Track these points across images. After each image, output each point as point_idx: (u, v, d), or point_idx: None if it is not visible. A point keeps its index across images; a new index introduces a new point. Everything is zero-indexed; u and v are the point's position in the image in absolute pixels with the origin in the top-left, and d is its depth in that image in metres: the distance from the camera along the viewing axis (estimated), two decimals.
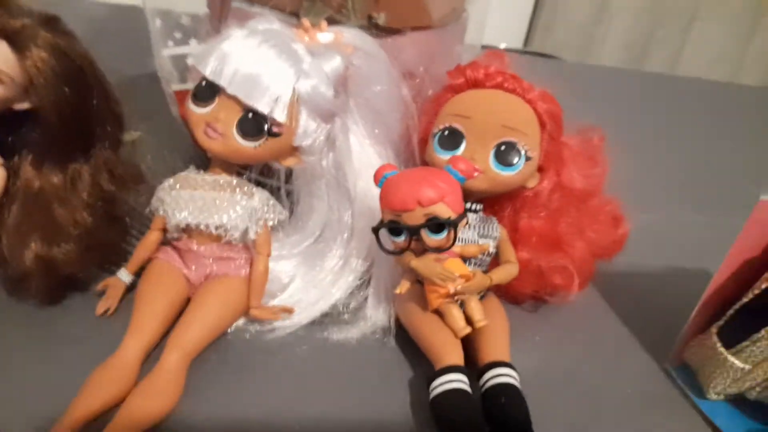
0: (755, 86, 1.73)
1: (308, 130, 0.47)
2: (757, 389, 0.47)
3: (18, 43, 0.42)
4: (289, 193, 0.57)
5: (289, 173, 0.56)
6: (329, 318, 0.53)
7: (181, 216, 0.47)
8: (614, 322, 0.58)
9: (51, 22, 0.44)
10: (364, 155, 0.55)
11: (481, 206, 0.52)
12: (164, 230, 0.50)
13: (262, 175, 0.58)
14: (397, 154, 0.57)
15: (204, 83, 0.47)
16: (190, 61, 0.61)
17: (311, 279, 0.54)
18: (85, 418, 0.39)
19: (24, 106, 0.45)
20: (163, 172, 0.61)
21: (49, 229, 0.45)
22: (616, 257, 0.59)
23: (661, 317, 0.57)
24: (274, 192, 0.54)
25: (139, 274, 0.51)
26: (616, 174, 0.59)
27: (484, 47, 0.73)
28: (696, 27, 1.98)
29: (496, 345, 0.46)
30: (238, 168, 0.52)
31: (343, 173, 0.55)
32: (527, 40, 2.18)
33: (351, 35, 0.53)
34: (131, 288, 0.51)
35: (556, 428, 0.45)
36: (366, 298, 0.54)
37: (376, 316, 0.53)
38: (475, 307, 0.47)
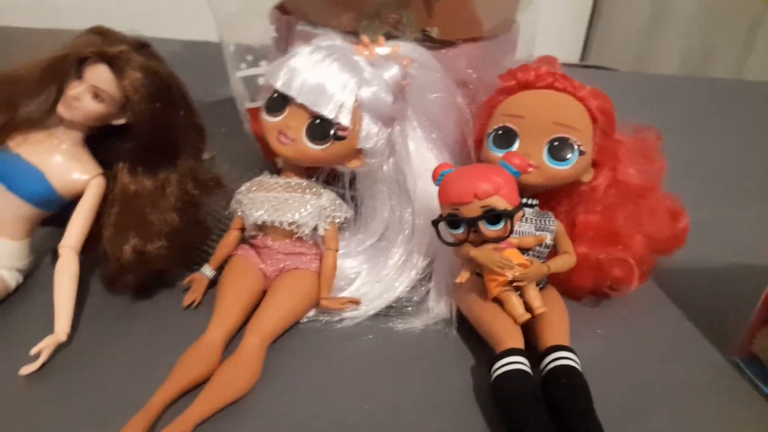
0: None
1: (370, 133, 0.51)
2: None
3: (116, 66, 0.49)
4: (353, 198, 0.61)
5: (353, 179, 0.60)
6: (393, 310, 0.56)
7: (258, 214, 0.52)
8: (676, 314, 0.58)
9: (143, 47, 0.51)
10: (422, 158, 0.58)
11: (537, 201, 0.54)
12: (242, 230, 0.55)
13: (328, 181, 0.62)
14: (453, 157, 0.60)
15: (275, 95, 0.51)
16: (261, 81, 0.67)
17: (376, 274, 0.57)
18: (176, 393, 0.44)
19: (121, 121, 0.52)
20: (237, 182, 0.67)
21: (144, 228, 0.50)
22: (676, 252, 0.59)
23: (725, 311, 0.57)
24: (340, 197, 0.58)
25: (220, 270, 0.56)
26: (676, 175, 0.59)
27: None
28: (760, 32, 1.92)
29: (556, 330, 0.48)
30: (308, 173, 0.56)
31: (403, 176, 0.58)
32: (584, 54, 2.17)
33: (407, 48, 0.57)
34: (214, 283, 0.56)
35: (618, 416, 0.45)
36: (428, 292, 0.57)
37: (438, 308, 0.55)
38: (533, 295, 0.49)
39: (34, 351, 0.46)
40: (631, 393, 0.49)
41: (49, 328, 0.48)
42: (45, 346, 0.46)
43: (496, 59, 0.69)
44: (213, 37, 0.71)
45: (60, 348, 0.48)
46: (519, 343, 0.47)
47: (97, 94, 0.49)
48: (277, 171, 0.57)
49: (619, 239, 0.55)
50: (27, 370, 0.45)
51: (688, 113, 1.11)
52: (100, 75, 0.48)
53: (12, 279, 0.52)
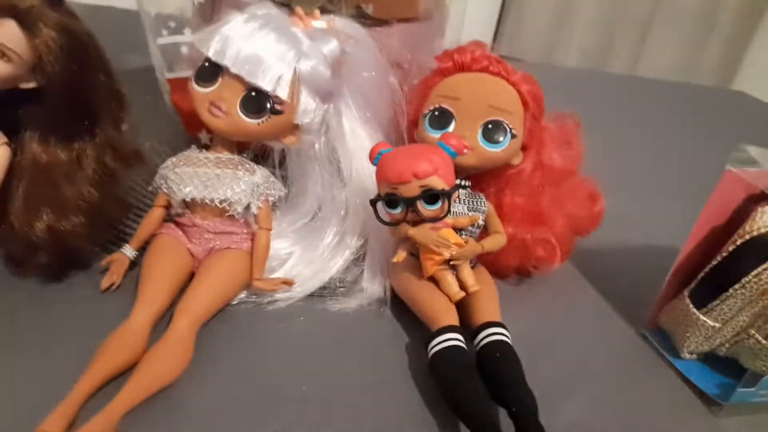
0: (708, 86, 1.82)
1: (308, 108, 0.50)
2: (726, 345, 0.51)
3: (27, 22, 0.43)
4: (283, 177, 0.60)
5: (283, 158, 0.59)
6: (327, 291, 0.55)
7: (186, 191, 0.49)
8: (592, 293, 0.62)
9: (57, 2, 0.46)
10: (356, 138, 0.58)
11: (470, 183, 0.55)
12: (167, 207, 0.52)
13: (256, 159, 0.60)
14: (386, 136, 0.60)
15: (207, 64, 0.49)
16: (185, 50, 0.63)
17: (309, 255, 0.56)
18: (99, 382, 0.41)
19: (30, 85, 0.46)
20: (160, 156, 0.63)
21: (59, 203, 0.46)
22: (593, 234, 0.63)
23: (634, 288, 0.61)
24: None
25: (142, 251, 0.52)
26: (590, 162, 0.63)
27: None
28: (652, 34, 2.08)
29: (488, 308, 0.49)
30: (238, 148, 0.54)
31: (335, 154, 0.58)
32: (492, 48, 2.24)
33: (342, 23, 0.56)
34: (134, 264, 0.52)
35: (543, 388, 0.47)
36: (361, 272, 0.57)
37: (372, 288, 0.55)
38: (468, 273, 0.50)
39: None
40: (554, 366, 0.51)
41: None
42: None
43: (427, 41, 0.70)
44: (120, 2, 0.66)
45: None
46: (454, 320, 0.48)
47: (3, 53, 0.44)
48: (203, 146, 0.54)
49: (543, 220, 0.58)
50: None
51: (591, 105, 1.18)
52: (7, 32, 0.43)
53: None
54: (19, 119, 0.48)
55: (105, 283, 0.50)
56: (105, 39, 0.76)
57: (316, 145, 0.57)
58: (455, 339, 0.46)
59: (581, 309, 0.60)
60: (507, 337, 0.47)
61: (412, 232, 0.49)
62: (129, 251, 0.52)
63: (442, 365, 0.45)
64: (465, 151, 0.51)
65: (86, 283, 0.51)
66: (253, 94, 0.48)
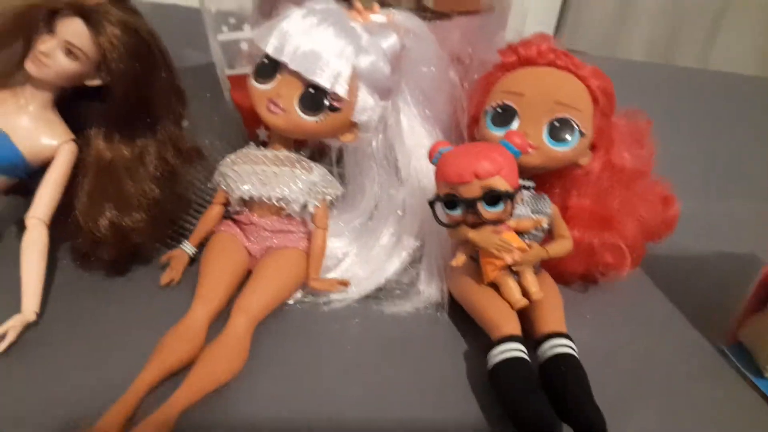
0: None
1: (366, 105, 0.48)
2: None
3: (92, 20, 0.44)
4: (340, 175, 0.59)
5: (340, 155, 0.58)
6: (383, 292, 0.54)
7: (245, 188, 0.49)
8: (663, 302, 0.58)
9: (121, 0, 0.46)
10: (415, 135, 0.56)
11: (534, 183, 0.53)
12: (225, 204, 0.52)
13: (313, 157, 0.59)
14: (445, 134, 0.58)
15: (265, 61, 0.48)
16: (244, 46, 0.63)
17: (365, 255, 0.55)
18: (158, 378, 0.41)
19: (96, 82, 0.47)
20: (220, 153, 0.63)
21: (121, 199, 0.47)
22: (666, 239, 0.59)
23: (710, 299, 0.57)
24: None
25: (201, 247, 0.52)
26: (660, 162, 0.59)
27: None
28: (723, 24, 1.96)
29: (552, 317, 0.47)
30: (295, 145, 0.53)
31: (393, 152, 0.56)
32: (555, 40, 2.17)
33: (402, 17, 0.54)
34: (193, 261, 0.53)
35: (609, 400, 0.45)
36: (418, 274, 0.55)
37: (429, 291, 0.54)
38: (531, 280, 0.47)
39: (0, 330, 0.42)
40: (620, 379, 0.48)
41: (15, 306, 0.44)
42: (12, 326, 0.42)
43: (489, 35, 0.67)
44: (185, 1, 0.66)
45: (29, 328, 0.44)
46: (516, 329, 0.46)
47: (70, 51, 0.44)
48: (261, 143, 0.54)
49: (612, 224, 0.55)
50: None
51: (659, 100, 1.12)
52: (74, 29, 0.44)
53: None
54: (84, 116, 0.48)
55: (164, 279, 0.50)
56: (167, 36, 0.77)
57: (374, 143, 0.56)
58: (517, 350, 0.44)
59: (652, 319, 0.56)
60: (573, 349, 0.45)
61: (472, 234, 0.47)
62: (188, 248, 0.52)
63: (504, 377, 0.43)
64: (530, 150, 0.49)
65: (147, 278, 0.52)
66: (312, 91, 0.47)
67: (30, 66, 0.44)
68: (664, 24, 2.00)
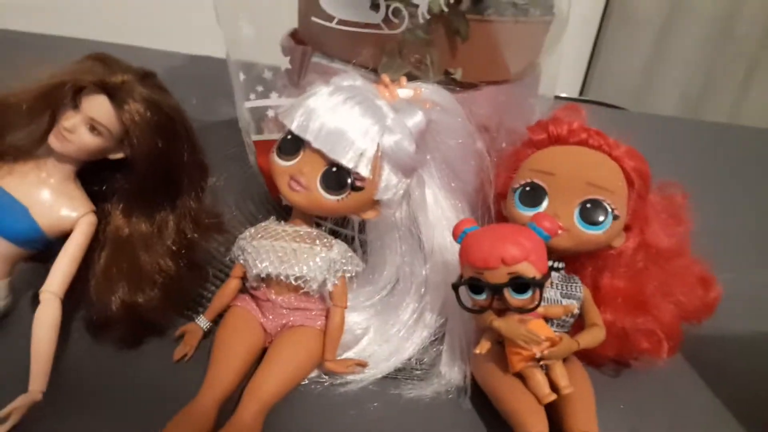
0: None
1: (390, 184, 0.47)
2: None
3: (117, 97, 0.44)
4: (362, 243, 0.57)
5: (363, 223, 0.56)
6: (402, 373, 0.51)
7: (262, 266, 0.48)
8: (704, 391, 0.54)
9: (147, 77, 0.47)
10: (439, 208, 0.54)
11: (563, 265, 0.50)
12: (242, 278, 0.51)
13: (337, 224, 0.58)
14: (471, 208, 0.57)
15: (289, 137, 0.47)
16: (270, 113, 0.63)
17: (384, 333, 0.53)
18: None
19: (118, 156, 0.47)
20: (240, 220, 0.62)
21: (135, 275, 0.46)
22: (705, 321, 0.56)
23: (757, 389, 0.53)
24: (348, 242, 0.54)
25: (216, 320, 0.51)
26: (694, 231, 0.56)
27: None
28: (756, 76, 1.92)
29: (583, 415, 0.44)
30: (316, 218, 0.52)
31: (417, 226, 0.55)
32: (583, 89, 2.17)
33: (429, 90, 0.53)
34: (207, 334, 0.51)
35: None
36: (440, 354, 0.53)
37: (451, 373, 0.51)
38: (560, 373, 0.45)
39: (3, 413, 0.40)
40: None
41: (24, 379, 0.43)
42: (17, 407, 0.41)
43: (519, 103, 0.66)
44: (220, 52, 0.67)
45: (34, 406, 0.42)
46: (544, 426, 0.43)
47: (94, 127, 0.44)
48: (283, 209, 0.52)
49: (647, 308, 0.52)
50: None
51: (690, 157, 1.08)
52: (98, 106, 0.44)
53: None
54: (105, 188, 0.48)
55: (177, 354, 0.49)
56: (201, 87, 0.78)
57: (397, 214, 0.54)
58: None
59: (691, 410, 0.52)
60: None
61: (498, 323, 0.44)
62: (203, 322, 0.51)
63: None
64: (560, 232, 0.47)
65: (160, 351, 0.50)
66: (334, 169, 0.46)
67: (53, 141, 0.45)
68: (696, 77, 1.97)
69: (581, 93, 2.15)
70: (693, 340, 0.56)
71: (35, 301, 0.46)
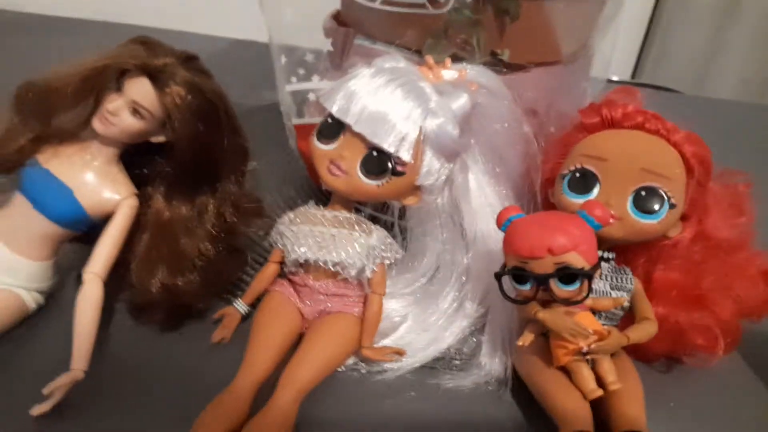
0: None
1: (432, 169, 0.46)
2: None
3: (159, 80, 0.44)
4: (402, 230, 0.56)
5: (404, 209, 0.55)
6: (440, 363, 0.50)
7: (301, 251, 0.47)
8: (762, 392, 0.51)
9: (190, 60, 0.46)
10: (483, 195, 0.53)
11: (614, 255, 0.48)
12: (281, 263, 0.50)
13: (377, 210, 0.57)
14: (517, 195, 0.55)
15: (330, 120, 0.46)
16: (312, 97, 0.62)
17: (423, 321, 0.52)
18: None
19: (160, 139, 0.47)
20: (280, 204, 0.62)
21: (175, 259, 0.46)
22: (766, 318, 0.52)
23: None
24: (388, 228, 0.53)
25: (254, 304, 0.51)
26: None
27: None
28: None
29: (631, 411, 0.42)
30: (356, 203, 0.51)
31: (459, 212, 0.53)
32: (635, 72, 2.08)
33: (475, 72, 0.51)
34: (246, 317, 0.51)
35: None
36: (480, 345, 0.51)
37: (491, 365, 0.50)
38: (608, 368, 0.42)
39: (47, 390, 0.41)
40: None
41: (67, 358, 0.43)
42: (60, 386, 0.42)
43: (569, 86, 0.63)
44: (262, 36, 0.66)
45: (76, 385, 0.43)
46: (588, 424, 0.41)
47: (136, 110, 0.44)
48: (323, 194, 0.52)
49: (703, 303, 0.49)
50: (39, 410, 0.41)
51: (753, 145, 1.02)
52: (141, 89, 0.44)
53: (32, 300, 0.48)
54: (149, 170, 0.48)
55: (216, 337, 0.49)
56: (244, 71, 0.77)
57: (439, 200, 0.52)
58: None
59: (748, 413, 0.49)
60: None
61: (543, 315, 0.43)
62: (241, 306, 0.51)
63: None
64: (611, 221, 0.44)
65: (199, 334, 0.50)
66: (375, 154, 0.45)
67: (97, 124, 0.45)
68: (756, 62, 1.86)
69: (633, 76, 2.07)
70: (751, 337, 0.53)
71: (79, 282, 0.46)
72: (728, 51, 1.88)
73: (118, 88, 0.44)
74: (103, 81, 0.44)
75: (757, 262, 0.51)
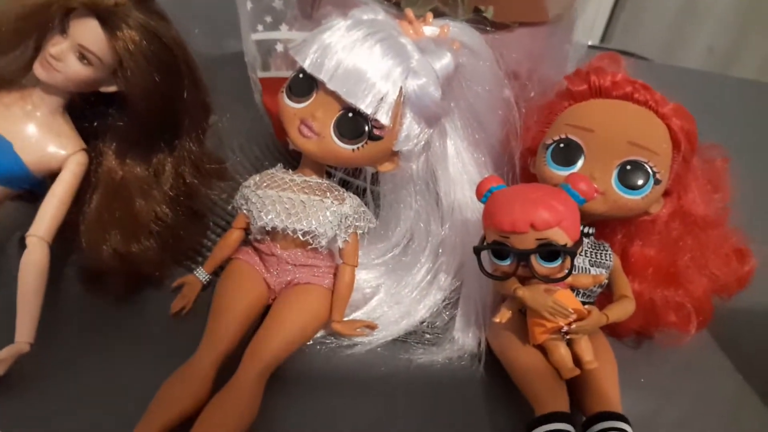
0: None
1: (411, 134, 0.43)
2: None
3: (110, 22, 0.39)
4: (375, 196, 0.53)
5: (377, 175, 0.52)
6: (413, 337, 0.49)
7: (268, 218, 0.44)
8: (730, 370, 0.51)
9: (144, 2, 0.41)
10: (461, 162, 0.50)
11: (594, 230, 0.46)
12: (245, 229, 0.47)
13: (348, 174, 0.54)
14: (495, 163, 0.52)
15: (301, 76, 0.42)
16: (279, 47, 0.58)
17: (396, 293, 0.50)
18: (161, 430, 0.36)
19: (111, 89, 0.43)
20: (244, 165, 0.58)
21: (129, 223, 0.42)
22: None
23: None
24: (360, 193, 0.51)
25: (216, 273, 0.48)
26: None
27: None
28: None
29: (607, 392, 0.41)
30: (327, 168, 0.48)
31: (435, 180, 0.50)
32: (604, 37, 2.07)
33: (457, 30, 0.48)
34: (206, 286, 0.48)
35: None
36: (453, 319, 0.50)
37: (465, 340, 0.48)
38: (585, 347, 0.42)
39: None
40: None
41: (9, 331, 0.40)
42: (3, 359, 0.38)
43: (553, 48, 0.61)
44: None
45: (21, 359, 0.40)
46: (564, 405, 0.40)
47: (83, 55, 0.40)
48: (290, 155, 0.48)
49: (678, 280, 0.48)
50: None
51: (724, 118, 1.02)
52: (88, 32, 0.39)
53: None
54: (97, 125, 0.44)
55: (175, 306, 0.46)
56: (204, 17, 0.71)
57: (414, 166, 0.50)
58: (565, 431, 0.38)
59: (716, 390, 0.49)
60: None
61: (522, 292, 0.41)
62: (202, 274, 0.48)
63: None
64: (595, 195, 0.42)
65: (156, 303, 0.47)
66: (350, 115, 0.41)
67: (39, 69, 0.40)
68: (726, 28, 1.87)
69: (602, 41, 2.05)
70: (720, 316, 0.53)
71: (22, 246, 0.42)
72: (698, 18, 1.88)
73: (63, 30, 0.39)
74: (44, 20, 0.39)
75: (732, 240, 0.51)
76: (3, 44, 0.40)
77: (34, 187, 0.44)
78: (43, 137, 0.42)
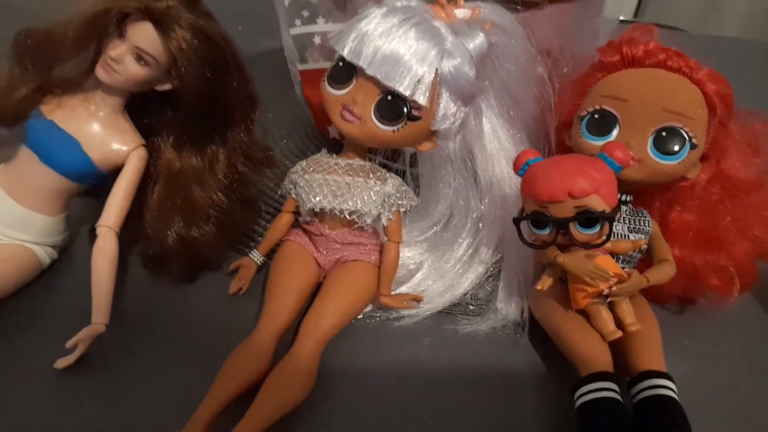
0: None
1: (448, 113, 0.44)
2: None
3: (163, 24, 0.42)
4: (414, 177, 0.55)
5: (415, 156, 0.54)
6: (457, 308, 0.50)
7: (316, 200, 0.46)
8: None
9: (193, 2, 0.44)
10: (496, 139, 0.52)
11: (632, 197, 0.47)
12: (295, 212, 0.50)
13: (387, 158, 0.56)
14: (531, 139, 0.53)
15: (341, 64, 0.45)
16: (317, 40, 0.60)
17: (439, 268, 0.52)
18: (225, 402, 0.39)
19: (166, 87, 0.46)
20: (286, 154, 0.61)
21: (190, 210, 0.45)
22: None
23: None
24: (400, 175, 0.52)
25: (269, 255, 0.51)
26: None
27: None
28: None
29: (650, 352, 0.42)
30: (369, 151, 0.50)
31: (472, 158, 0.52)
32: (638, 11, 2.02)
33: (488, 10, 0.49)
34: (261, 268, 0.51)
35: None
36: (496, 290, 0.51)
37: (507, 309, 0.50)
38: (626, 310, 0.43)
39: (70, 344, 0.41)
40: (727, 424, 0.43)
41: (86, 311, 0.43)
42: (82, 339, 0.42)
43: (583, 24, 0.61)
44: None
45: (97, 339, 0.43)
46: (608, 365, 0.41)
47: (140, 57, 0.43)
48: (330, 143, 0.50)
49: (719, 244, 0.49)
50: (62, 363, 0.42)
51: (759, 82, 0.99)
52: (144, 34, 0.42)
53: (45, 256, 0.48)
54: (156, 121, 0.47)
55: (232, 288, 0.49)
56: (245, 16, 0.74)
57: (451, 145, 0.51)
58: (610, 389, 0.39)
59: (760, 354, 0.50)
60: (673, 391, 0.40)
61: (563, 259, 0.42)
62: (256, 256, 0.50)
63: (593, 420, 0.39)
64: (631, 162, 0.43)
65: (216, 285, 0.50)
66: (389, 98, 0.43)
67: (100, 72, 0.43)
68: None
69: (636, 15, 2.01)
70: (764, 277, 0.53)
71: (93, 236, 0.46)
72: None
73: (121, 34, 0.43)
74: (103, 26, 0.42)
75: None
76: (67, 51, 0.44)
77: (100, 183, 0.48)
78: (106, 135, 0.46)
